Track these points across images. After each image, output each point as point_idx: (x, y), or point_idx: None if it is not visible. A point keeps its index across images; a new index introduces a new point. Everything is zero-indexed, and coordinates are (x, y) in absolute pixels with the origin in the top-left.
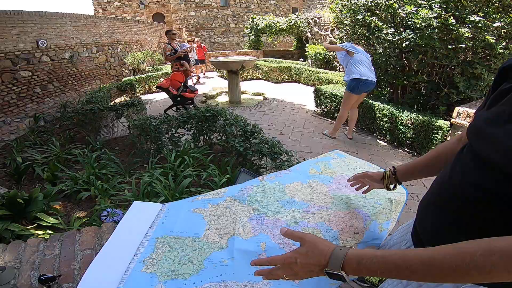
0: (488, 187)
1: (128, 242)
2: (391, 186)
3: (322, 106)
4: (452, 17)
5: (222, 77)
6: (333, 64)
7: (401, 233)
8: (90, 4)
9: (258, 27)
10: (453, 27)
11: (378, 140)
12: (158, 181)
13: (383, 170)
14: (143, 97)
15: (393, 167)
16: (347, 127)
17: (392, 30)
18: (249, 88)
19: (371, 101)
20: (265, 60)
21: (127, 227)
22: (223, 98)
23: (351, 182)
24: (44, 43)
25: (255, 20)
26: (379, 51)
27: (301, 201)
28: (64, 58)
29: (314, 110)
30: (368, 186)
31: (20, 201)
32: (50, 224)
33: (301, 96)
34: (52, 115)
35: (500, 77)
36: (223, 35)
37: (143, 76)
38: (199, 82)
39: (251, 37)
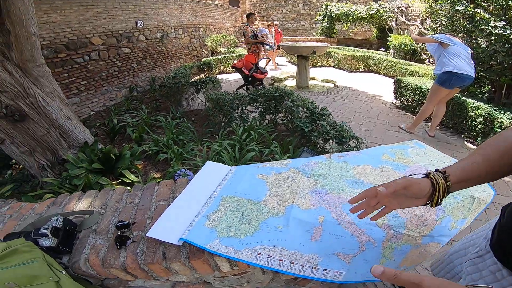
0: None
1: (197, 197)
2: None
3: (402, 99)
4: None
5: (291, 62)
6: (421, 57)
7: (468, 240)
8: None
9: (332, 15)
10: None
11: (465, 142)
12: (226, 151)
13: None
14: (218, 77)
15: (442, 171)
16: (429, 124)
17: (502, 23)
18: (319, 74)
19: (464, 98)
20: (338, 48)
21: (198, 183)
22: (291, 82)
23: (354, 203)
24: (142, 23)
25: (328, 7)
26: (482, 45)
27: (369, 183)
28: (156, 37)
29: (392, 102)
30: (382, 207)
31: (112, 157)
32: (131, 181)
33: (377, 86)
34: (143, 87)
35: None
36: (294, 21)
37: (219, 57)
38: (278, 69)
39: (323, 24)
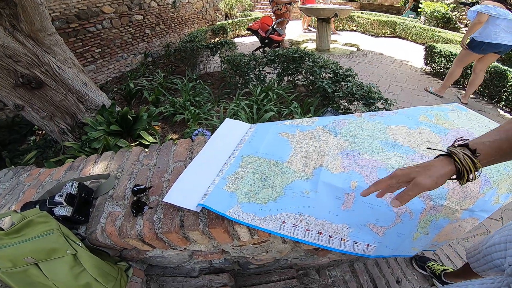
0: None
1: (216, 157)
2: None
3: (433, 65)
4: None
5: (309, 25)
6: (456, 25)
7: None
8: None
9: None
10: None
11: (501, 111)
12: (243, 111)
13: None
14: (234, 40)
15: (466, 145)
16: (463, 91)
17: None
18: (340, 38)
19: (505, 67)
20: (362, 12)
21: (216, 142)
22: (310, 45)
23: (366, 196)
24: None
25: None
26: None
27: (406, 146)
28: (168, 3)
29: (422, 68)
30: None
31: (129, 118)
32: (148, 143)
33: (405, 52)
34: (158, 53)
35: None
36: None
37: (234, 20)
38: (336, 32)
39: None
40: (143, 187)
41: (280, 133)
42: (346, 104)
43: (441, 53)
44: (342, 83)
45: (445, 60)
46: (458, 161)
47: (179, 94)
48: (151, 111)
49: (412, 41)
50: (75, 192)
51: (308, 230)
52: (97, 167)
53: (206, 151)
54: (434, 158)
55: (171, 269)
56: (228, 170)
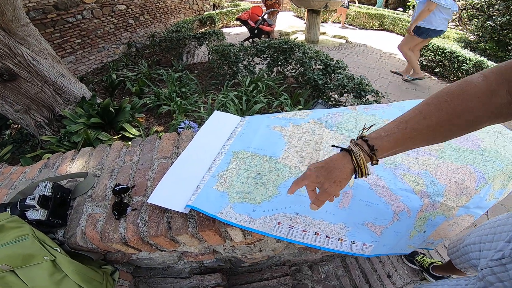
0: None
1: (205, 152)
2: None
3: (421, 58)
4: None
5: (299, 17)
6: None
7: (485, 232)
8: None
9: None
10: None
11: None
12: (232, 102)
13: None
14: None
15: (362, 138)
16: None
17: None
18: (329, 30)
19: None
20: (351, 4)
21: (205, 136)
22: (299, 37)
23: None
24: None
25: None
26: None
27: None
28: None
29: None
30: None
31: (111, 110)
32: (132, 136)
33: (393, 45)
34: (142, 43)
35: None
36: None
37: (222, 10)
38: (346, 26)
39: None
40: (125, 186)
41: (272, 127)
42: (336, 96)
43: (429, 46)
44: (333, 75)
45: (432, 54)
46: (355, 161)
47: (164, 85)
48: (135, 103)
49: (400, 34)
50: (50, 193)
51: (305, 231)
52: (75, 164)
53: (193, 146)
54: (337, 153)
55: (160, 270)
56: (218, 167)
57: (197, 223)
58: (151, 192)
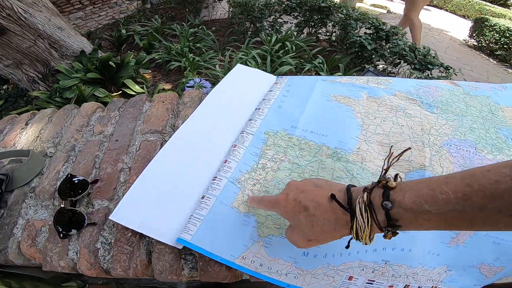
0: None
1: (217, 131)
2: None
3: (482, 38)
4: None
5: None
6: (507, 1)
7: None
8: None
9: None
10: None
11: None
12: (254, 61)
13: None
14: None
15: (385, 194)
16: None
17: None
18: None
19: None
20: None
21: (219, 102)
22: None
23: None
24: None
25: None
26: None
27: None
28: None
29: (464, 40)
30: None
31: (112, 65)
32: (134, 93)
33: (443, 22)
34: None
35: None
36: None
37: None
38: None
39: None
40: (82, 180)
41: (333, 96)
42: (385, 66)
43: (495, 27)
44: (384, 42)
45: (498, 35)
46: (354, 230)
47: (177, 40)
48: (141, 57)
49: (451, 12)
50: None
51: (392, 287)
52: (26, 133)
53: (200, 117)
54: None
55: (147, 280)
56: (240, 162)
57: (198, 265)
58: (123, 195)
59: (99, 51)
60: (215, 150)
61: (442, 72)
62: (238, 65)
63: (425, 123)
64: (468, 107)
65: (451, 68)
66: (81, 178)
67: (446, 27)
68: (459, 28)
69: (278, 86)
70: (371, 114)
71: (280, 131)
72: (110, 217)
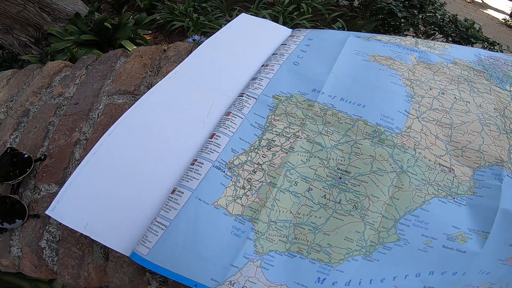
0: None
1: (203, 98)
2: None
3: None
4: None
5: None
6: None
7: None
8: None
9: None
10: None
11: None
12: None
13: None
14: None
15: None
16: None
17: None
18: None
19: None
20: None
21: (212, 57)
22: None
23: None
24: None
25: None
26: None
27: None
28: None
29: (504, 19)
30: None
31: (108, 26)
32: None
33: None
34: None
35: None
36: None
37: None
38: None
39: None
40: (25, 156)
41: (371, 55)
42: (415, 37)
43: None
44: (417, 11)
45: None
46: None
47: (182, 1)
48: (140, 18)
49: None
50: None
51: None
52: None
53: (183, 74)
54: None
55: None
56: (234, 136)
57: (169, 280)
58: (78, 172)
59: (96, 13)
60: (200, 120)
61: (486, 48)
62: (243, 14)
63: (498, 103)
64: None
65: (498, 44)
66: (24, 153)
67: (484, 5)
68: (500, 6)
69: (295, 40)
70: (424, 83)
71: (296, 95)
72: (47, 212)
